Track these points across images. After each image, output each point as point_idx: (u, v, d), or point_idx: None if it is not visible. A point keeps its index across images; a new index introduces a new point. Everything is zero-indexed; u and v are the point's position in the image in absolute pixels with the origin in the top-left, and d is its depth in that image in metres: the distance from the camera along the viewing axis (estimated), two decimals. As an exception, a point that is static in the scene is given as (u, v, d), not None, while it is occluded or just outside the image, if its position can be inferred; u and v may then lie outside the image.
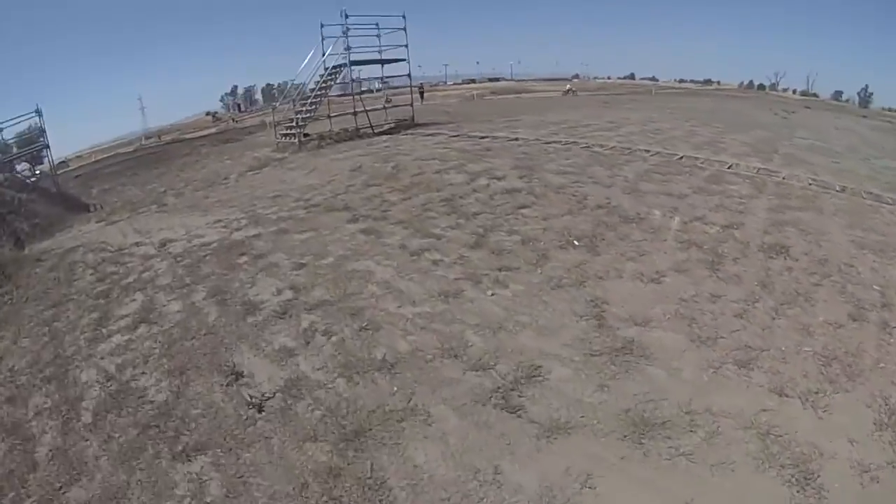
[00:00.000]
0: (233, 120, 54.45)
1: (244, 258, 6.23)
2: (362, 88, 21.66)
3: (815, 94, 71.67)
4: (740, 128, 15.06)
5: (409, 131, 16.40)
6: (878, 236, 5.70)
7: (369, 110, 17.46)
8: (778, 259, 5.07)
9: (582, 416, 3.15)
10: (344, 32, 15.86)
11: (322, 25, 16.22)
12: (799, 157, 10.70)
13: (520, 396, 3.36)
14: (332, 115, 16.78)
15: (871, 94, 75.73)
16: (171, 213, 10.27)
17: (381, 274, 5.29)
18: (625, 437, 2.98)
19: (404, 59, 18.31)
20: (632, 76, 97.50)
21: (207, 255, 6.55)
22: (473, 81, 71.85)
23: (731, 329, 3.93)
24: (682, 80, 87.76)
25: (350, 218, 7.30)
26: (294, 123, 16.37)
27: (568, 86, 48.32)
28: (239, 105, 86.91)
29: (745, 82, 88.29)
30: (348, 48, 16.13)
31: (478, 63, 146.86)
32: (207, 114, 73.54)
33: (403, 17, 17.49)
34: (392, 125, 17.77)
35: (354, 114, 16.76)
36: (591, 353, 3.73)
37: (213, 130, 43.77)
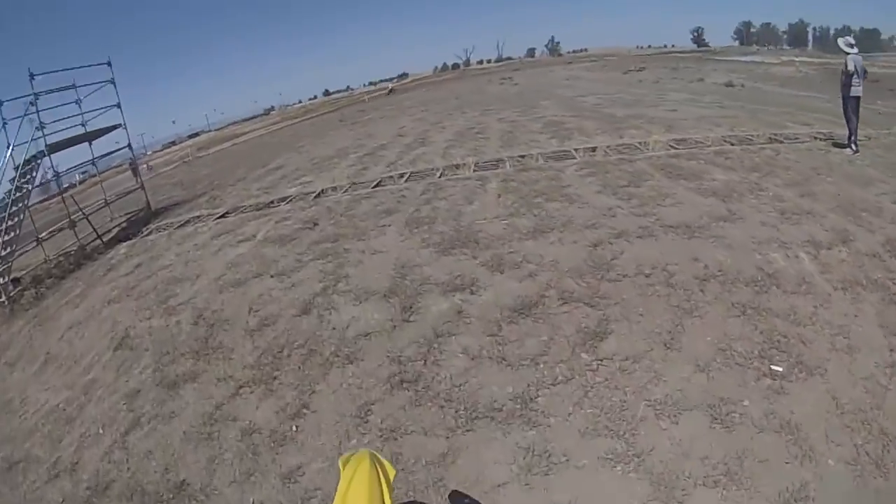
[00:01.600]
0: None
1: None
2: (66, 184, 12.78)
3: (509, 57, 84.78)
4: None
5: (153, 226, 10.34)
6: None
7: (88, 214, 10.85)
8: None
9: None
10: (32, 103, 9.73)
11: (-1, 103, 9.70)
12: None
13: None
14: (41, 235, 10.08)
15: (559, 42, 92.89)
16: None
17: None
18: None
19: (120, 125, 12.55)
20: (327, 92, 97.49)
21: None
22: (174, 144, 64.77)
23: None
24: (372, 83, 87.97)
25: None
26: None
27: (390, 86, 50.40)
28: None
29: (440, 66, 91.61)
30: (41, 126, 9.94)
31: (174, 122, 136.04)
32: None
33: (109, 63, 11.83)
34: (124, 224, 11.27)
35: (72, 224, 10.09)
36: None
37: None
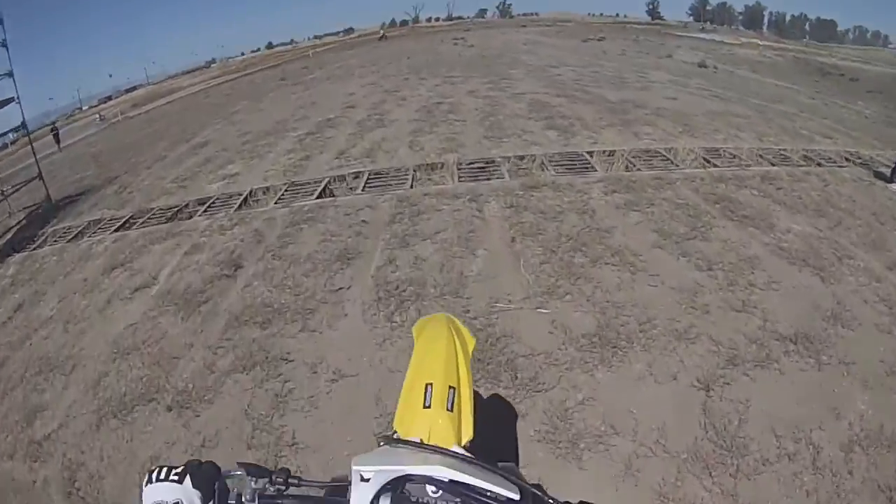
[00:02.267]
0: None
1: None
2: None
3: (459, 17, 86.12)
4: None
5: (49, 229, 7.63)
6: None
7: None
8: None
9: None
10: None
11: None
12: None
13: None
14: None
15: (511, 4, 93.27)
16: None
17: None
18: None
19: (13, 100, 9.89)
20: (270, 45, 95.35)
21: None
22: (110, 98, 60.72)
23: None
24: (318, 36, 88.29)
25: None
26: None
27: (382, 31, 48.10)
28: None
29: (388, 22, 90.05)
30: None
31: (111, 76, 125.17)
32: None
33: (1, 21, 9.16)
34: (23, 221, 8.49)
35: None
36: None
37: None
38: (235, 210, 6.24)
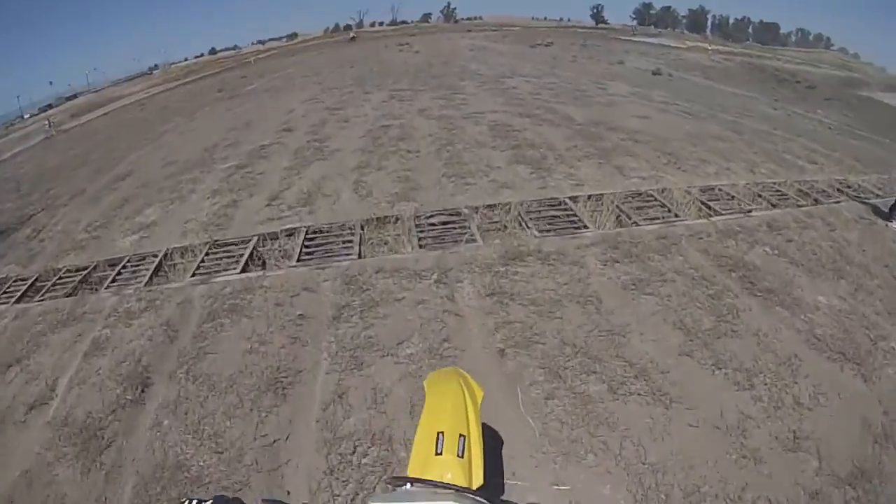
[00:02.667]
0: None
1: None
2: None
3: (404, 21, 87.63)
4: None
5: None
6: None
7: None
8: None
9: None
10: None
11: None
12: None
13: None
14: None
15: (455, 8, 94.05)
16: None
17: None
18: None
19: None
20: (213, 50, 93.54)
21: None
22: (51, 107, 57.03)
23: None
24: (261, 41, 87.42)
25: None
26: None
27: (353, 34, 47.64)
28: None
29: (331, 27, 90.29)
30: None
31: (51, 84, 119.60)
32: None
33: None
34: None
35: None
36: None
37: None
38: (146, 284, 4.85)
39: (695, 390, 3.06)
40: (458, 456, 1.08)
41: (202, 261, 5.12)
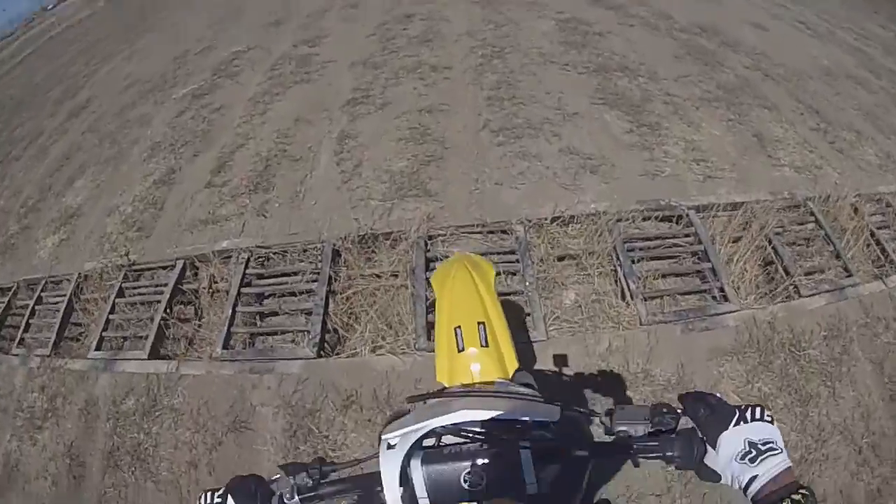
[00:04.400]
0: None
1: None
2: None
3: None
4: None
5: None
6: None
7: None
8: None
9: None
10: None
11: None
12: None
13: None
14: None
15: None
16: None
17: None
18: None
19: None
20: None
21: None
22: None
23: None
24: None
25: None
26: None
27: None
28: None
29: None
30: None
31: None
32: None
33: None
34: None
35: None
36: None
37: None
38: (53, 348, 3.41)
39: None
40: (481, 346, 1.01)
41: (112, 309, 3.41)
